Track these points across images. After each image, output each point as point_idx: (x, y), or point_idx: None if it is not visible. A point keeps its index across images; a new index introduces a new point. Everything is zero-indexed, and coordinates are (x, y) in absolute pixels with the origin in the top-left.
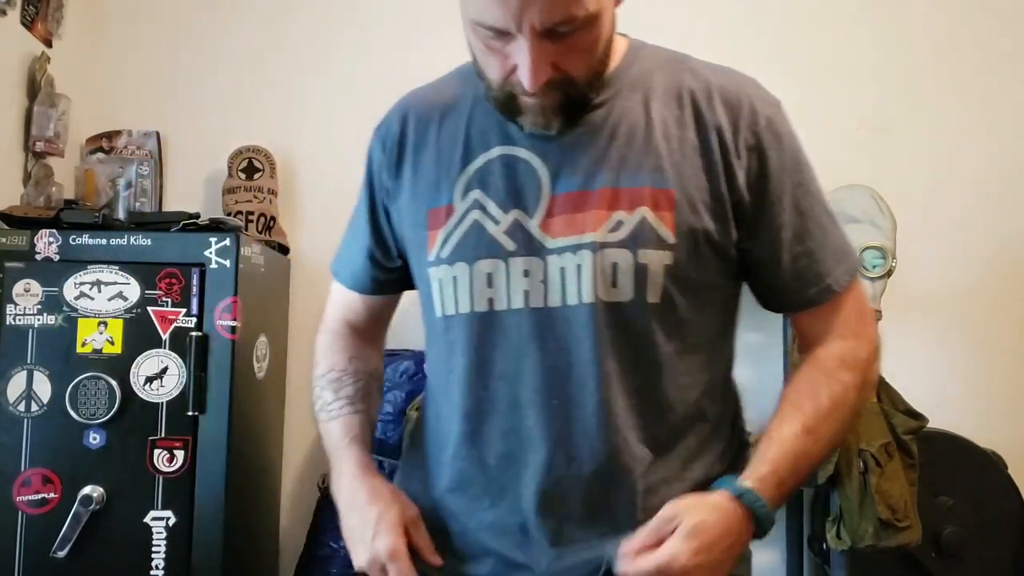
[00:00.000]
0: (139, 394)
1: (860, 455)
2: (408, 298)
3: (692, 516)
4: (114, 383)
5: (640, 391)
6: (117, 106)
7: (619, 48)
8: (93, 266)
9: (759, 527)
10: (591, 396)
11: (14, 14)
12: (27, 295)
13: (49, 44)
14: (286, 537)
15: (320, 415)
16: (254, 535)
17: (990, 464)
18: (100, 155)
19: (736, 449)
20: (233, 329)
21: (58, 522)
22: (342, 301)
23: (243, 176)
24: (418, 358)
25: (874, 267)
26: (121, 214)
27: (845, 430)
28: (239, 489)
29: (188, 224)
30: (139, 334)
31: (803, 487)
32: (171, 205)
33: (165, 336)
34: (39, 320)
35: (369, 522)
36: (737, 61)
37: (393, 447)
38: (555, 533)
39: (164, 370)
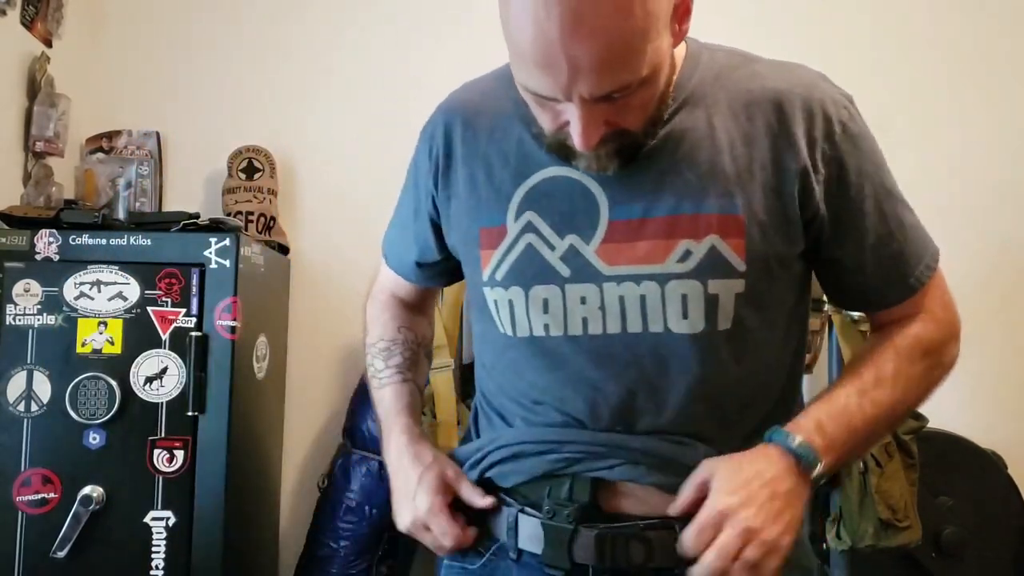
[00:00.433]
0: (139, 394)
1: None
2: None
3: (724, 466)
4: (114, 383)
5: (703, 417)
6: (117, 106)
7: (677, 56)
8: (93, 266)
9: (802, 462)
10: (654, 419)
11: (14, 14)
12: (27, 295)
13: (49, 44)
14: (286, 537)
15: (372, 382)
16: (254, 535)
17: (990, 464)
18: (100, 155)
19: None
20: (233, 329)
21: (58, 522)
22: (391, 277)
23: (243, 176)
24: None
25: None
26: (121, 214)
27: (910, 401)
28: (239, 489)
29: (188, 224)
30: (139, 334)
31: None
32: (171, 205)
33: (165, 336)
34: (39, 320)
35: (411, 484)
36: None
37: None
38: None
39: (164, 370)
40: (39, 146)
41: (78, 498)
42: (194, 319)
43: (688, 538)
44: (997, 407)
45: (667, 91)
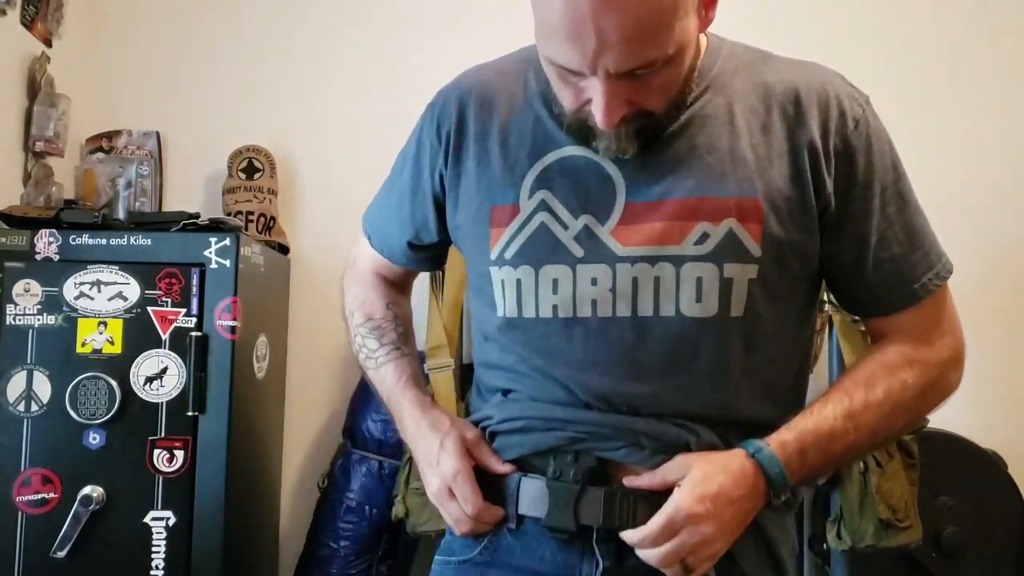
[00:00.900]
0: (139, 394)
1: None
2: (412, 300)
3: (701, 466)
4: (114, 383)
5: (710, 405)
6: (117, 106)
7: (700, 44)
8: (93, 266)
9: (772, 488)
10: (662, 403)
11: (14, 14)
12: (27, 295)
13: (49, 44)
14: (286, 537)
15: (367, 363)
16: (254, 535)
17: (990, 464)
18: (100, 155)
19: None
20: (233, 329)
21: (58, 522)
22: (373, 257)
23: (243, 176)
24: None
25: None
26: (121, 214)
27: (896, 428)
28: (239, 489)
29: (188, 224)
30: (139, 334)
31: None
32: (171, 205)
33: (165, 336)
34: (39, 320)
35: (433, 449)
36: None
37: (393, 447)
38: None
39: (164, 370)
40: (39, 146)
41: (78, 498)
42: (194, 319)
43: (652, 528)
44: (997, 407)
45: (690, 75)
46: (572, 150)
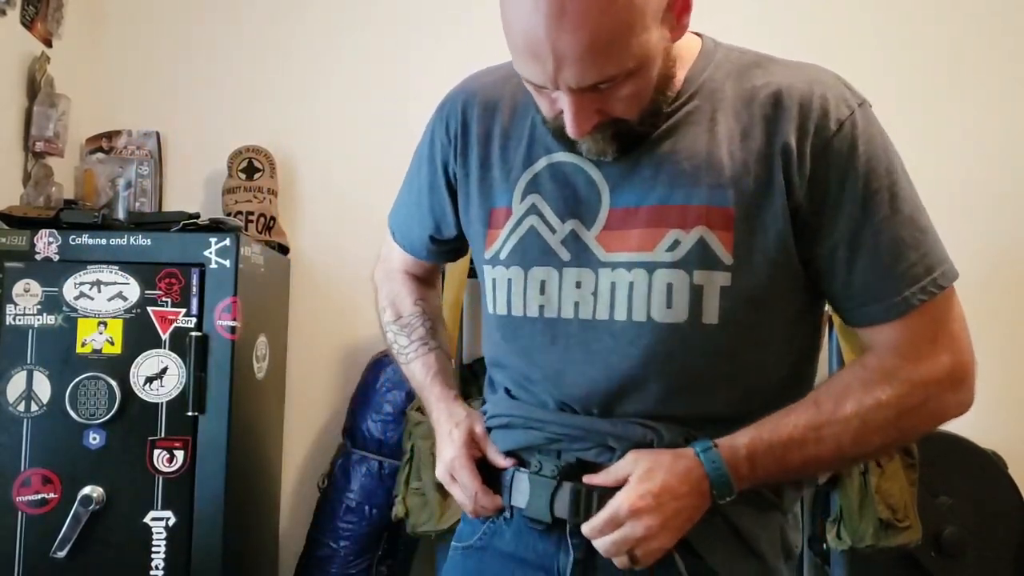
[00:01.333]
0: (139, 394)
1: None
2: None
3: (646, 462)
4: (114, 383)
5: (681, 406)
6: (117, 106)
7: (690, 51)
8: (93, 266)
9: (714, 489)
10: (634, 406)
11: (14, 14)
12: (27, 295)
13: (49, 44)
14: (286, 537)
15: (399, 358)
16: (254, 535)
17: (990, 464)
18: (100, 155)
19: None
20: (233, 329)
21: (58, 522)
22: (400, 254)
23: (243, 176)
24: None
25: None
26: (121, 214)
27: (872, 445)
28: (239, 489)
29: (188, 224)
30: (139, 334)
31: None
32: (171, 205)
33: (165, 336)
34: (39, 320)
35: (444, 439)
36: None
37: (393, 447)
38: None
39: (164, 370)
40: (39, 146)
41: (78, 498)
42: (194, 319)
43: (599, 520)
44: (997, 407)
45: (667, 83)
46: (562, 156)
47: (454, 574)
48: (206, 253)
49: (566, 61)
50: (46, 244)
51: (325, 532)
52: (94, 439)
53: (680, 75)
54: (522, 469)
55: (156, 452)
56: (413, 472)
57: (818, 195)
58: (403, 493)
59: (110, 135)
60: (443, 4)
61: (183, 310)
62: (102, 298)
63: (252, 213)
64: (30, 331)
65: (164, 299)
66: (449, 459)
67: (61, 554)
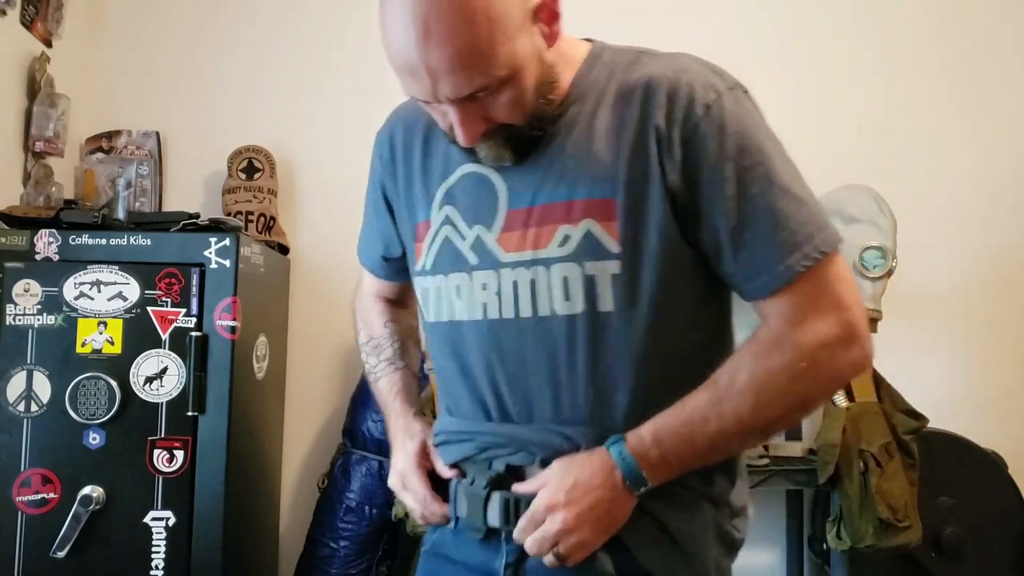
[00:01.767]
0: (139, 394)
1: (860, 455)
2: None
3: (562, 464)
4: (114, 383)
5: (599, 405)
6: (117, 106)
7: (578, 56)
8: (93, 266)
9: (627, 479)
10: (548, 405)
11: (14, 14)
12: (27, 295)
13: (49, 44)
14: (286, 537)
15: (369, 377)
16: (254, 535)
17: (990, 464)
18: (100, 155)
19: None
20: (233, 329)
21: (58, 522)
22: (370, 278)
23: (243, 176)
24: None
25: (874, 267)
26: (121, 214)
27: (774, 413)
28: (239, 489)
29: (188, 224)
30: (139, 334)
31: (804, 487)
32: (171, 205)
33: (165, 336)
34: (39, 320)
35: (398, 450)
36: (738, 63)
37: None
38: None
39: (164, 370)
40: (39, 146)
41: (78, 498)
42: (194, 319)
43: (522, 521)
44: (997, 407)
45: (548, 87)
46: (470, 167)
47: None
48: (206, 253)
49: (440, 75)
50: (46, 244)
51: (325, 532)
52: (94, 439)
53: (567, 78)
54: (462, 481)
55: (156, 452)
56: None
57: (692, 179)
58: None
59: (110, 135)
60: None
61: (183, 310)
62: (102, 298)
63: (252, 213)
64: (30, 331)
65: (164, 299)
66: (401, 468)
67: (61, 554)
